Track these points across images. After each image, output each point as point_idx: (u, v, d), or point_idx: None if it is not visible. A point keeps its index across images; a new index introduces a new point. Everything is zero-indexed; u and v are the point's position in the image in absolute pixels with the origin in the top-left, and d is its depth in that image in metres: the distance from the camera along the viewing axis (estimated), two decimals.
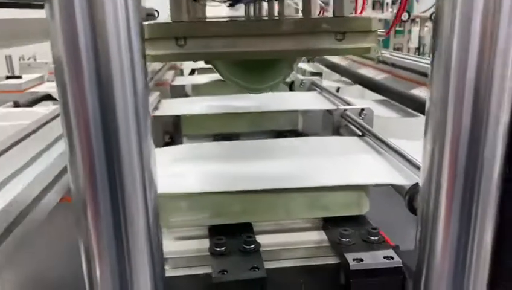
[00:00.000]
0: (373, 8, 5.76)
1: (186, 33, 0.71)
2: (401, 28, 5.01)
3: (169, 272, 0.79)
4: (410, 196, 0.75)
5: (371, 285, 0.68)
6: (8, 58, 2.26)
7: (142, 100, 0.43)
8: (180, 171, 0.86)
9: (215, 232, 0.79)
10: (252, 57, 0.72)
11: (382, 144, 0.96)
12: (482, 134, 0.46)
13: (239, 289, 0.66)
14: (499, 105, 0.46)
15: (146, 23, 0.70)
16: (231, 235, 0.76)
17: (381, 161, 0.91)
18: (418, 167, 0.78)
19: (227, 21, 0.75)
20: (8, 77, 2.14)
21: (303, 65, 2.42)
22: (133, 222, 0.45)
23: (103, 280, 0.46)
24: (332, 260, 0.80)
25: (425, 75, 1.52)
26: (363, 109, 1.22)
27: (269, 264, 0.77)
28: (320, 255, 0.80)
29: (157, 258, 0.49)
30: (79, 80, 0.41)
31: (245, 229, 0.79)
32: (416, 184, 0.74)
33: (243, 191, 0.78)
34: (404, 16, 4.95)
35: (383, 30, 0.91)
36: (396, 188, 0.80)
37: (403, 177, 0.80)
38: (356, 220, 0.82)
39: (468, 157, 0.47)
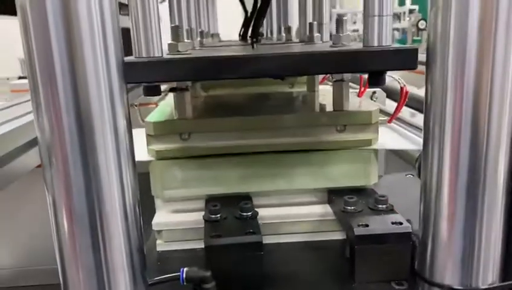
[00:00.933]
0: None
1: (191, 129, 0.73)
2: (418, 38, 4.94)
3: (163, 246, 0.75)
4: (420, 162, 0.70)
5: (377, 252, 0.62)
6: (22, 62, 2.55)
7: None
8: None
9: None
10: (255, 150, 0.73)
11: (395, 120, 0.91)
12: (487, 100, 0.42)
13: (232, 254, 0.61)
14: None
15: (152, 121, 0.72)
16: (228, 205, 0.71)
17: (391, 133, 0.85)
18: None
19: (229, 118, 0.75)
20: (20, 78, 2.41)
21: None
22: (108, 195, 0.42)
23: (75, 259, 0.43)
24: (338, 235, 0.75)
25: None
26: (374, 92, 1.16)
27: (270, 239, 0.72)
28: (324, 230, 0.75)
29: (134, 232, 0.45)
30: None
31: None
32: None
33: (242, 156, 0.74)
34: (422, 24, 4.90)
35: (384, 118, 0.89)
36: (407, 156, 0.75)
37: (411, 144, 0.74)
38: (364, 193, 0.76)
39: (474, 119, 0.42)
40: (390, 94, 1.31)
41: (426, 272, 0.46)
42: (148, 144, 0.74)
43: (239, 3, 0.99)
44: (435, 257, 0.45)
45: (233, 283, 0.60)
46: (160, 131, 0.73)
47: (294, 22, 1.21)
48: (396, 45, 0.50)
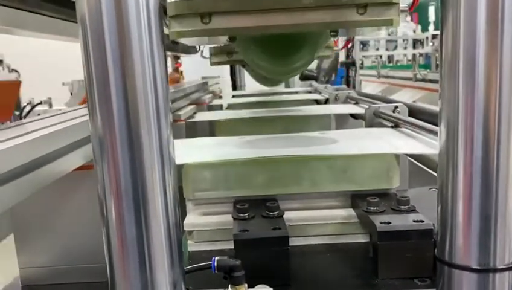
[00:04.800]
0: None
1: (211, 9, 0.72)
2: None
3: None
4: None
5: (399, 249, 0.64)
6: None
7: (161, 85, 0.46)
8: (206, 149, 0.87)
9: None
10: (276, 31, 0.72)
11: (416, 128, 0.93)
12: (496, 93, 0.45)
13: (260, 247, 0.64)
14: None
15: (170, 1, 0.73)
16: (255, 206, 0.74)
17: (413, 140, 0.88)
18: None
19: None
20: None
21: None
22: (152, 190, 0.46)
23: (122, 250, 0.47)
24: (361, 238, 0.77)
25: None
26: (396, 106, 1.19)
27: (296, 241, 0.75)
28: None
29: (174, 228, 0.49)
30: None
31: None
32: None
33: (267, 161, 0.77)
34: None
35: (406, 5, 0.91)
36: (428, 161, 0.77)
37: (434, 148, 0.77)
38: (386, 197, 0.78)
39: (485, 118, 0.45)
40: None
41: (446, 255, 0.49)
42: (169, 27, 0.71)
43: None
44: (453, 239, 0.48)
45: (260, 275, 0.63)
46: (181, 10, 0.69)
47: None
48: None
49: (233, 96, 2.41)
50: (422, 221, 0.66)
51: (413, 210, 0.71)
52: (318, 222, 0.78)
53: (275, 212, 0.72)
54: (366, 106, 1.25)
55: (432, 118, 1.39)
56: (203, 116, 1.47)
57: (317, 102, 1.91)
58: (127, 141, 0.44)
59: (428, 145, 0.86)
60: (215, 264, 0.57)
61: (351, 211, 0.79)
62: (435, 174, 1.01)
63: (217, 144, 0.96)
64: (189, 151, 0.85)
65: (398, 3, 0.75)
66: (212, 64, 1.56)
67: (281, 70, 0.88)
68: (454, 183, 0.47)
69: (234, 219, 0.71)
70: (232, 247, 0.68)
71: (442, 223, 0.50)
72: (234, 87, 3.31)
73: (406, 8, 0.91)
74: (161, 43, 0.46)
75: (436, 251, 0.52)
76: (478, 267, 0.46)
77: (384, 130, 1.02)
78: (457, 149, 0.47)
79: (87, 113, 0.47)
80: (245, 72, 3.23)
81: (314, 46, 0.89)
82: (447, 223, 0.48)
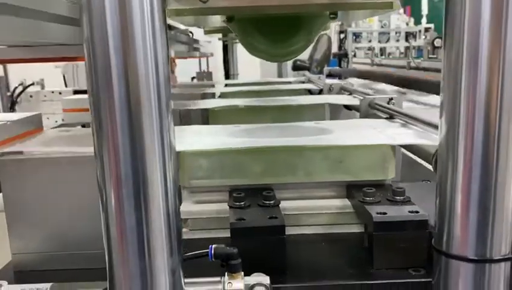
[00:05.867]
0: None
1: None
2: (434, 56, 4.97)
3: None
4: (437, 158, 0.73)
5: (395, 239, 0.65)
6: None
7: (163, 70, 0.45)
8: (201, 137, 0.86)
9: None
10: (274, 11, 0.72)
11: (410, 119, 0.94)
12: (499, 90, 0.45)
13: (257, 236, 0.64)
14: None
15: None
16: (251, 195, 0.74)
17: (408, 131, 0.88)
18: None
19: None
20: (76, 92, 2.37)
21: None
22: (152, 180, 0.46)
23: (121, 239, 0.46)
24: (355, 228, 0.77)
25: None
26: (391, 98, 1.19)
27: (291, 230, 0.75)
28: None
29: (174, 217, 0.49)
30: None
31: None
32: None
33: (263, 150, 0.77)
34: (438, 42, 4.93)
35: None
36: (426, 155, 0.77)
37: (429, 140, 0.77)
38: (382, 187, 0.79)
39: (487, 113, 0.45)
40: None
41: (443, 245, 0.49)
42: (167, 5, 0.73)
43: None
44: (451, 230, 0.48)
45: (256, 263, 0.63)
46: None
47: None
48: None
49: (226, 85, 2.40)
50: (417, 212, 0.66)
51: (408, 201, 0.71)
52: (313, 212, 0.78)
53: (271, 202, 0.72)
54: (361, 97, 1.25)
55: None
56: (197, 104, 1.46)
57: (310, 92, 1.90)
58: (127, 126, 0.44)
59: (422, 136, 0.87)
60: (212, 252, 0.57)
61: (346, 201, 0.80)
62: (427, 165, 1.02)
63: (212, 132, 0.95)
64: (184, 139, 0.84)
65: None
66: (206, 33, 1.54)
67: (279, 53, 0.88)
68: (453, 175, 0.48)
69: (230, 207, 0.71)
70: (227, 235, 0.68)
71: (440, 214, 0.50)
72: (227, 76, 3.30)
73: None
74: (164, 27, 0.45)
75: (433, 240, 0.52)
76: (475, 258, 0.47)
77: (379, 121, 1.02)
78: (458, 141, 0.47)
79: (88, 98, 0.46)
80: (238, 61, 3.22)
81: (313, 29, 0.88)
82: (445, 213, 0.49)
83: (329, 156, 0.77)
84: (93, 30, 0.43)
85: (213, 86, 2.39)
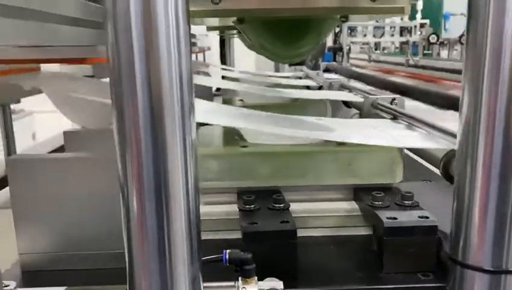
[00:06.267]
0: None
1: None
2: (429, 52, 4.99)
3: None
4: (445, 161, 0.73)
5: (405, 244, 0.65)
6: None
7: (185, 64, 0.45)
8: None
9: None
10: (286, 14, 0.72)
11: (415, 121, 0.94)
12: None
13: (268, 241, 0.64)
14: None
15: None
16: (260, 197, 0.75)
17: (413, 133, 0.88)
18: (453, 135, 0.76)
19: None
20: None
21: None
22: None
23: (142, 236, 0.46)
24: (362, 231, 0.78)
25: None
26: (394, 99, 1.20)
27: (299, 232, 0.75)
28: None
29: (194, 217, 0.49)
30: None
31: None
32: (452, 150, 0.72)
33: (272, 153, 0.77)
34: (433, 38, 4.95)
35: None
36: (430, 157, 0.78)
37: (437, 144, 0.78)
38: (389, 191, 0.79)
39: (507, 119, 0.45)
40: None
41: (459, 255, 0.50)
42: None
43: None
44: (467, 239, 0.49)
45: (267, 267, 0.63)
46: None
47: None
48: None
49: (223, 77, 2.39)
50: (427, 217, 0.67)
51: (417, 206, 0.72)
52: (321, 214, 0.79)
53: (281, 205, 0.72)
54: (361, 96, 1.25)
55: None
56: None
57: (309, 88, 1.90)
58: (150, 127, 0.44)
59: (426, 138, 0.87)
60: (227, 257, 0.57)
61: (353, 204, 0.80)
62: (427, 165, 1.03)
63: (213, 110, 0.94)
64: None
65: None
66: (208, 30, 1.54)
67: (288, 54, 0.88)
68: (472, 183, 0.48)
69: (240, 210, 0.71)
70: (234, 237, 0.69)
71: (456, 223, 0.51)
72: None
73: None
74: (187, 29, 0.45)
75: (449, 249, 0.53)
76: (491, 269, 0.47)
77: (384, 122, 1.03)
78: (477, 147, 0.47)
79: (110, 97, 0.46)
80: (235, 56, 3.21)
81: (322, 31, 0.88)
82: (462, 222, 0.49)
83: (337, 159, 0.78)
84: (117, 34, 0.43)
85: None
